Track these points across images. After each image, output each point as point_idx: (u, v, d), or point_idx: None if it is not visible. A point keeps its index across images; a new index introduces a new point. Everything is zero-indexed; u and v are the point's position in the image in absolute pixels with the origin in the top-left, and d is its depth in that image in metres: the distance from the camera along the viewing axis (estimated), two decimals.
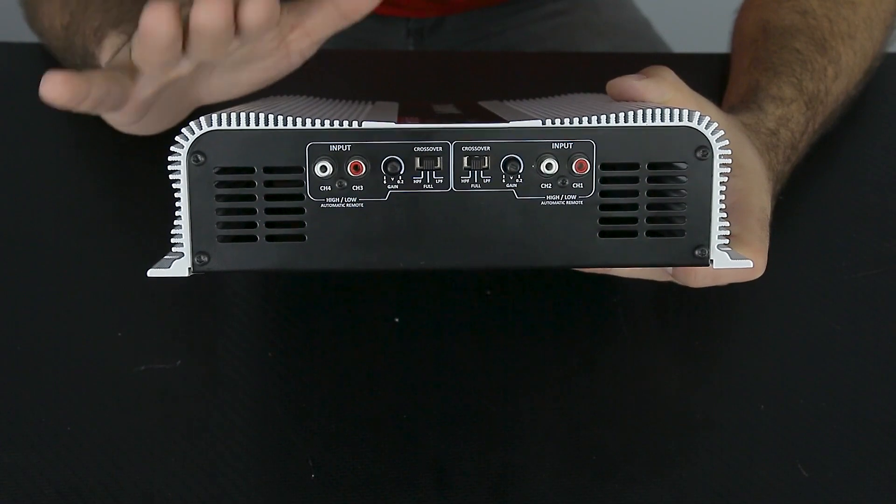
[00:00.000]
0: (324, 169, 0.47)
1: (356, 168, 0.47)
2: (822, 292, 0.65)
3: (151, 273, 0.48)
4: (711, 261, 0.49)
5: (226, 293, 0.64)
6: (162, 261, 0.49)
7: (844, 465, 0.54)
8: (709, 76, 0.82)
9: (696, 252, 0.49)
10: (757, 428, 0.56)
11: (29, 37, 0.83)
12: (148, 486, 0.53)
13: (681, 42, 1.09)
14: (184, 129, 0.47)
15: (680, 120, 0.48)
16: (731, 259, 0.49)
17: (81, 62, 0.72)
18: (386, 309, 0.63)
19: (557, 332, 0.62)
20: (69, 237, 0.68)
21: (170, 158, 0.47)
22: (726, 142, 0.48)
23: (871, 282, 0.65)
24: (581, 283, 0.65)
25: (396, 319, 0.62)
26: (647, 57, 0.94)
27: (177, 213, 0.48)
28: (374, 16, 1.07)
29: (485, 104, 0.65)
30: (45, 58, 0.81)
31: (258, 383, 0.59)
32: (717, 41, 0.85)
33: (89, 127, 0.71)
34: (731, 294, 0.64)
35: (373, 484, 0.53)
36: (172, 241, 0.48)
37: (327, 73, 0.86)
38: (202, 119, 0.47)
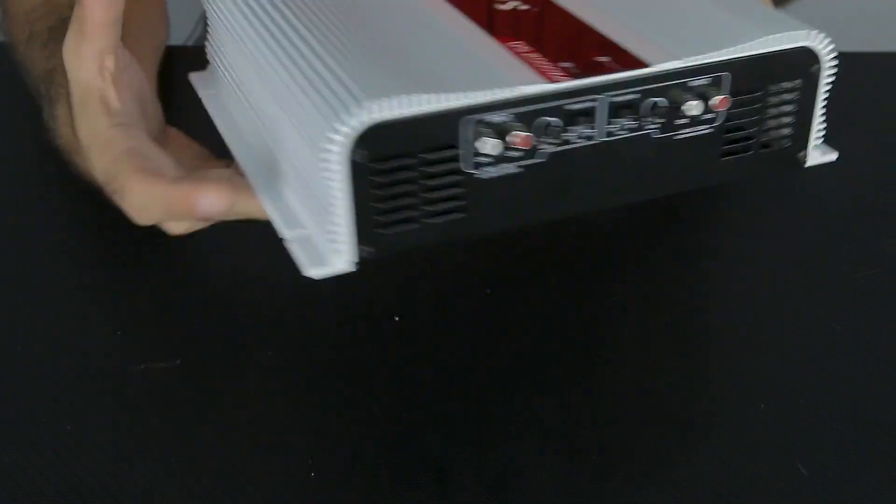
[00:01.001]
0: (482, 142, 0.45)
1: (515, 136, 0.45)
2: (822, 292, 0.65)
3: (314, 274, 0.45)
4: (806, 161, 0.52)
5: (226, 292, 0.64)
6: (318, 257, 0.46)
7: (844, 465, 0.54)
8: None
9: (798, 156, 0.52)
10: (757, 428, 0.56)
11: None
12: (148, 486, 0.53)
13: None
14: (336, 124, 0.43)
15: (801, 40, 0.49)
16: (822, 155, 0.52)
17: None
18: (386, 308, 0.63)
19: (557, 331, 0.62)
20: (69, 237, 0.68)
21: (321, 156, 0.44)
22: (833, 52, 0.50)
23: (871, 282, 0.65)
24: (581, 282, 0.65)
25: (396, 319, 0.62)
26: None
27: (332, 209, 0.45)
28: None
29: None
30: None
31: (258, 383, 0.59)
32: None
33: None
34: (731, 294, 0.65)
35: (373, 484, 0.53)
36: (329, 236, 0.45)
37: None
38: (359, 111, 0.43)
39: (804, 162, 0.52)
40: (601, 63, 0.48)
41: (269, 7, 0.52)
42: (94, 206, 0.71)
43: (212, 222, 0.52)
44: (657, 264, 0.67)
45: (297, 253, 0.46)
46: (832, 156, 0.52)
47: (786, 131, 0.51)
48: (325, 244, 0.46)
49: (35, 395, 0.58)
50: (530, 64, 0.47)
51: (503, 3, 0.54)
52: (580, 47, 0.51)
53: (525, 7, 0.54)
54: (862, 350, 0.61)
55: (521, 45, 0.49)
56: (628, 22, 0.53)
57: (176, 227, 0.54)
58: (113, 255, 0.67)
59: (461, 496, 0.53)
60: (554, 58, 0.48)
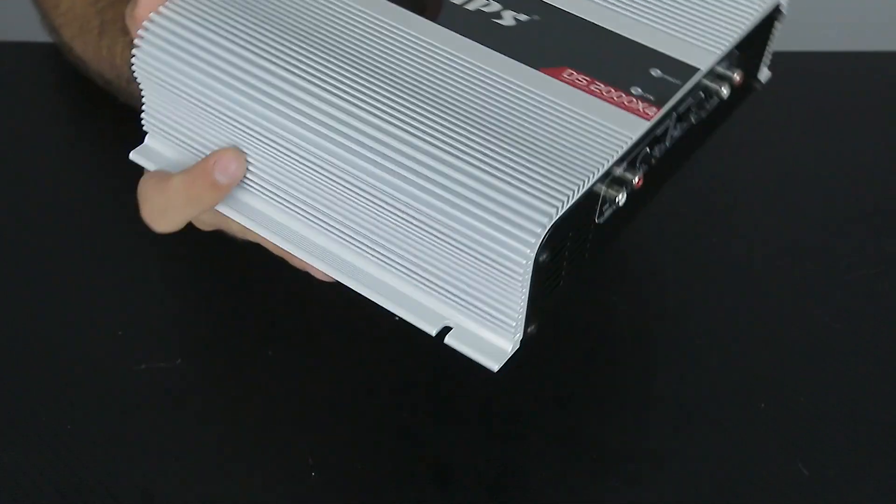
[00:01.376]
0: (616, 196, 0.46)
1: (637, 181, 0.47)
2: (822, 292, 0.65)
3: (496, 368, 0.46)
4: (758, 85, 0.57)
5: (226, 292, 0.64)
6: (484, 345, 0.47)
7: (844, 465, 0.54)
8: None
9: (754, 83, 0.57)
10: (757, 426, 0.56)
11: (30, 36, 0.83)
12: (148, 486, 0.53)
13: None
14: (524, 237, 0.44)
15: None
16: (763, 75, 0.57)
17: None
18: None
19: (558, 331, 0.62)
20: (69, 237, 0.68)
21: (507, 265, 0.44)
22: None
23: (871, 281, 0.65)
24: (580, 282, 0.65)
25: (397, 318, 0.62)
26: None
27: (509, 305, 0.46)
28: None
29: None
30: (48, 57, 0.81)
31: (258, 383, 0.59)
32: None
33: (89, 127, 0.71)
34: (731, 293, 0.65)
35: (373, 484, 0.53)
36: (500, 326, 0.47)
37: None
38: (543, 218, 0.44)
39: (758, 86, 0.56)
40: (661, 78, 0.49)
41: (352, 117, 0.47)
42: (93, 206, 0.71)
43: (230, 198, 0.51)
44: (657, 264, 0.67)
45: (463, 349, 0.47)
46: (767, 73, 0.57)
47: (754, 70, 0.56)
48: (486, 331, 0.47)
49: (35, 395, 0.58)
50: (612, 102, 0.48)
51: (499, 18, 0.53)
52: (623, 59, 0.51)
53: (526, 17, 0.53)
54: (862, 350, 0.61)
55: (574, 74, 0.50)
56: (636, 16, 0.53)
57: (206, 219, 0.53)
58: (113, 255, 0.67)
59: (461, 496, 0.53)
60: (615, 82, 0.49)
